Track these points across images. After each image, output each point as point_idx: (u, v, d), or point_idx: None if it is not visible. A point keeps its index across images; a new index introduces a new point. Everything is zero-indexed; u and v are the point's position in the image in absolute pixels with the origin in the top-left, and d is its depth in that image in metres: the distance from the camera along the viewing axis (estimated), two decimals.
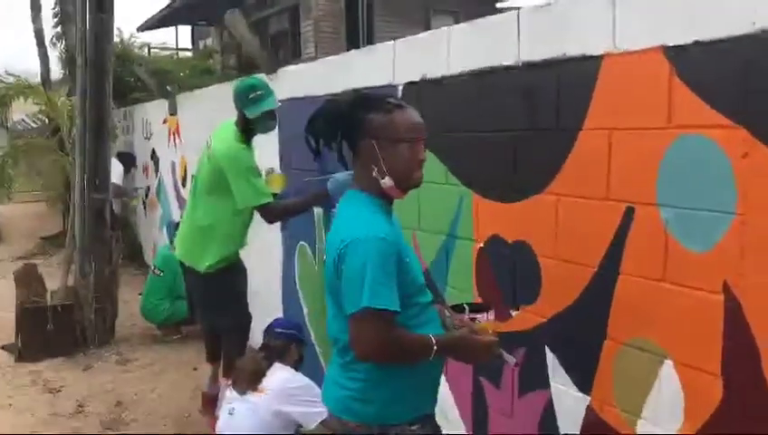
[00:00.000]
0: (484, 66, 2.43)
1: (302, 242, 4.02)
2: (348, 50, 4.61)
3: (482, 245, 2.51)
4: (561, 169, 2.13)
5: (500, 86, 2.37)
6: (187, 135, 6.44)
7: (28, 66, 8.55)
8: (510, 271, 2.38)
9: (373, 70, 3.13)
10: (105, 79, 4.67)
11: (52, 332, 4.57)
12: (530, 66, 2.24)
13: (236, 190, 3.24)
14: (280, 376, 2.84)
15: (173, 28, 22.92)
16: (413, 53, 2.86)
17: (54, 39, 9.26)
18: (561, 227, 2.15)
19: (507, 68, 2.33)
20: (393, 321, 1.61)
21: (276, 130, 4.13)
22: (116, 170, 7.75)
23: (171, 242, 5.48)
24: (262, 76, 3.42)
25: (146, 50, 17.04)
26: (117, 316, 5.12)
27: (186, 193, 6.54)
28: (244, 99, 3.29)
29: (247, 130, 3.38)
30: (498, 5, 12.98)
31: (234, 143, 3.31)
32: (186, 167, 6.49)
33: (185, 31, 24.45)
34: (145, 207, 8.38)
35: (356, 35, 15.01)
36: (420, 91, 2.79)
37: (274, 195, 3.38)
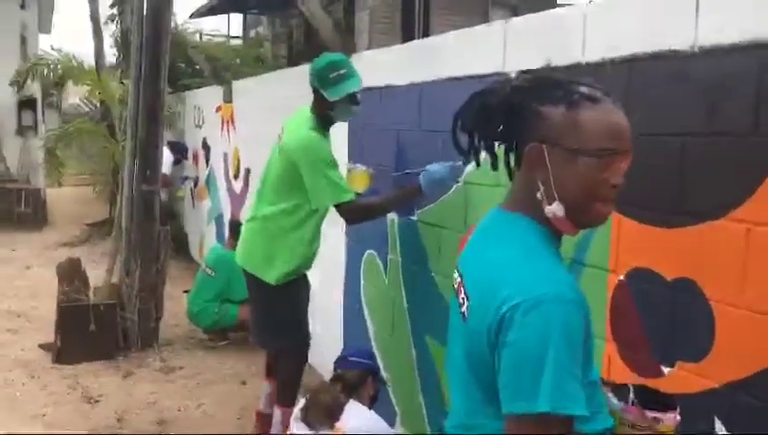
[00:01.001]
0: (641, 51, 1.91)
1: (369, 251, 3.56)
2: (404, 42, 4.16)
3: (622, 277, 1.99)
4: (757, 189, 1.60)
5: (666, 75, 1.85)
6: (243, 125, 6.04)
7: (84, 49, 8.27)
8: (665, 315, 1.85)
9: (475, 55, 2.63)
10: (161, 60, 4.27)
11: (94, 333, 4.21)
12: (713, 51, 1.71)
13: (311, 186, 2.80)
14: (357, 418, 2.39)
15: (225, 16, 22.86)
16: (532, 35, 2.34)
17: (108, 20, 8.99)
18: (751, 266, 1.62)
19: (677, 53, 1.80)
20: (572, 428, 1.07)
21: (347, 123, 3.70)
22: (166, 160, 7.43)
23: (222, 239, 5.09)
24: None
25: (198, 36, 16.89)
26: (161, 318, 4.73)
27: (238, 186, 6.15)
28: (323, 78, 2.83)
29: (325, 116, 2.93)
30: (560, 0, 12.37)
31: (308, 132, 2.86)
32: (239, 158, 6.09)
33: (236, 19, 24.40)
34: (193, 198, 8.05)
35: (411, 28, 14.43)
36: None
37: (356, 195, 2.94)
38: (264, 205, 3.00)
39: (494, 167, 1.33)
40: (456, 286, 1.30)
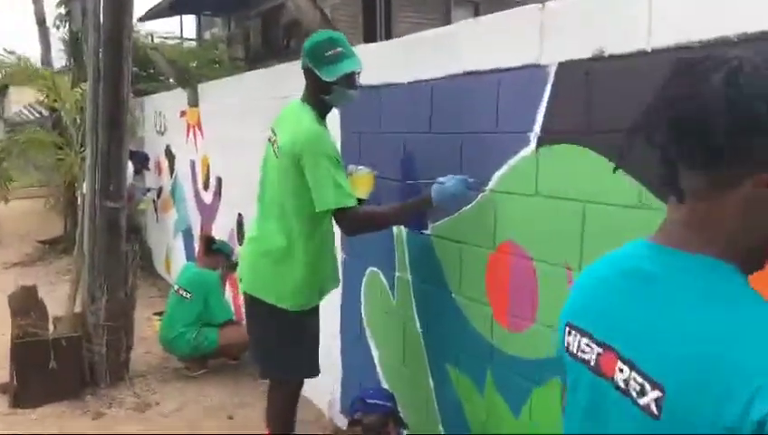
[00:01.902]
0: (724, 34, 1.59)
1: (372, 268, 3.19)
2: (366, 42, 3.79)
3: None
4: None
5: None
6: (211, 130, 5.59)
7: (26, 52, 7.65)
8: None
9: (501, 46, 2.29)
10: (123, 60, 3.82)
11: (56, 371, 3.73)
12: None
13: (315, 184, 2.43)
14: None
15: (177, 18, 22.13)
16: (577, 18, 2.01)
17: (57, 21, 8.37)
18: None
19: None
20: None
21: (338, 122, 3.32)
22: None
23: (192, 253, 4.66)
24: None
25: (150, 39, 16.23)
26: (132, 347, 4.27)
27: (208, 196, 5.70)
28: (319, 56, 2.47)
29: (320, 102, 2.56)
30: None
31: (311, 124, 2.50)
32: (208, 166, 5.65)
33: (190, 21, 23.67)
34: (156, 211, 7.54)
35: (373, 27, 14.13)
36: (594, 73, 1.94)
37: (359, 201, 2.57)
38: (269, 220, 2.61)
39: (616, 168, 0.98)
40: (591, 361, 0.92)
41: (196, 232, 6.00)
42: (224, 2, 20.17)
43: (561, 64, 2.06)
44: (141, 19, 18.37)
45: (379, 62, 2.97)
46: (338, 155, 2.49)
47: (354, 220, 2.49)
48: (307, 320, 2.65)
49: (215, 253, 4.57)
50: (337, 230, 2.68)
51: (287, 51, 13.12)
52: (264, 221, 2.62)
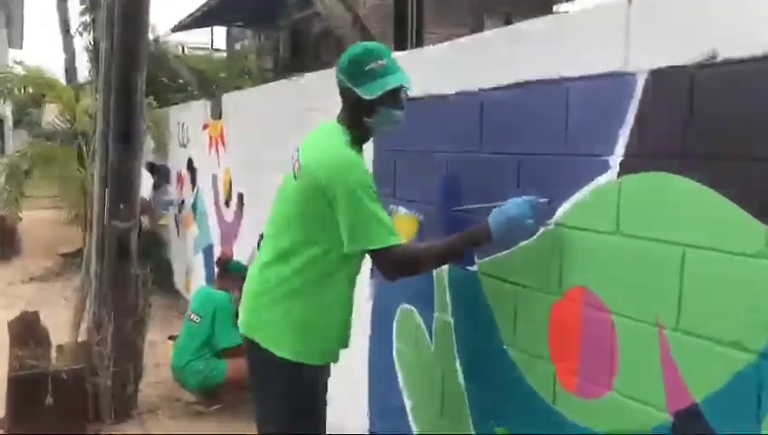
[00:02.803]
0: None
1: (405, 305, 2.78)
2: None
3: None
4: None
5: None
6: (234, 144, 5.26)
7: (50, 62, 7.44)
8: None
9: (570, 48, 1.89)
10: (136, 70, 3.49)
11: (53, 407, 3.38)
12: None
13: (347, 220, 2.02)
14: None
15: (208, 30, 22.12)
16: (678, 13, 1.60)
17: (80, 29, 8.16)
18: None
19: None
20: None
21: (370, 142, 2.93)
22: (145, 183, 6.64)
23: (212, 272, 4.31)
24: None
25: (180, 49, 16.14)
26: (141, 379, 3.91)
27: (229, 214, 5.36)
28: (358, 72, 2.07)
29: (359, 126, 2.16)
30: (555, 8, 11.84)
31: (343, 148, 2.10)
32: (230, 182, 5.31)
33: (220, 32, 23.69)
34: (177, 225, 7.24)
35: (404, 38, 13.83)
36: (701, 82, 1.53)
37: None
38: (277, 253, 2.22)
39: None
40: None
41: (217, 250, 5.67)
42: (254, 13, 20.12)
43: (654, 72, 1.64)
44: (173, 30, 18.38)
45: (419, 71, 2.58)
46: (374, 186, 2.08)
47: (399, 262, 2.04)
48: (312, 375, 2.23)
49: (230, 274, 4.22)
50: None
51: (317, 62, 12.87)
52: (273, 254, 2.22)
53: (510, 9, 13.41)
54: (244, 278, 4.16)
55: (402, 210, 2.51)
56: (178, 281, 7.26)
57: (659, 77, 1.63)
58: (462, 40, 2.39)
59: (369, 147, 2.91)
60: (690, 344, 1.56)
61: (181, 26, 21.15)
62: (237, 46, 23.59)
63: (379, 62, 2.05)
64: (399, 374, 2.85)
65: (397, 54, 2.83)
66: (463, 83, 2.35)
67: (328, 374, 2.31)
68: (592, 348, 1.83)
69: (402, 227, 2.34)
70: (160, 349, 5.15)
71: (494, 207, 2.00)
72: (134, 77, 3.51)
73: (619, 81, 1.73)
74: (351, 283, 2.25)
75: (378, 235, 1.99)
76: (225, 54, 20.06)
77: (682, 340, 1.57)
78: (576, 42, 1.87)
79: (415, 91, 2.57)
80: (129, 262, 3.64)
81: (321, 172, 2.05)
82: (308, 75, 3.78)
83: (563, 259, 1.93)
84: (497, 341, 2.21)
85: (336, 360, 2.32)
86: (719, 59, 1.48)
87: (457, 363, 2.42)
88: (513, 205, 1.96)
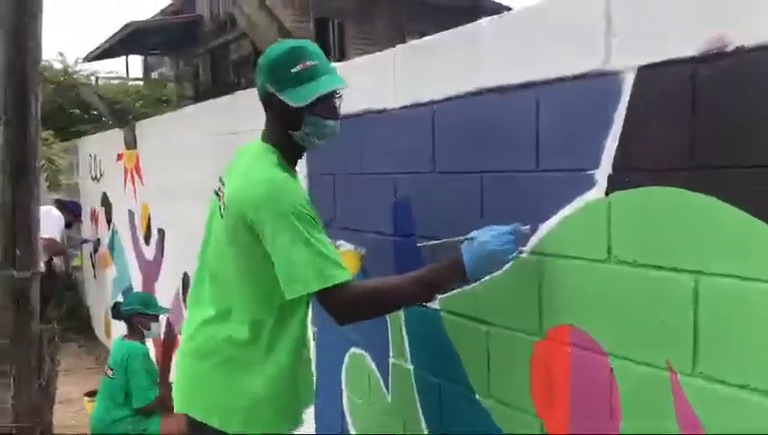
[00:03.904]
0: None
1: (355, 349, 2.45)
2: None
3: None
4: None
5: None
6: (152, 175, 4.81)
7: None
8: None
9: (539, 47, 1.62)
10: (30, 98, 3.04)
11: None
12: None
13: (281, 259, 1.64)
14: None
15: (123, 58, 21.30)
16: (661, 3, 1.35)
17: None
18: None
19: None
20: None
21: (303, 159, 2.60)
22: (55, 223, 6.06)
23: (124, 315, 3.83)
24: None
25: (93, 79, 15.38)
26: None
27: (149, 251, 4.89)
28: (282, 75, 1.71)
29: (288, 141, 1.80)
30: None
31: (269, 171, 1.73)
32: (149, 217, 4.85)
33: (135, 61, 22.89)
34: (94, 266, 6.65)
35: (326, 54, 13.58)
36: (705, 78, 1.28)
37: None
38: (208, 309, 1.83)
39: None
40: None
41: (139, 290, 5.17)
42: (171, 41, 19.54)
43: (644, 69, 1.39)
44: (85, 59, 17.55)
45: (358, 83, 2.28)
46: (312, 211, 1.71)
47: (352, 302, 1.66)
48: None
49: (126, 318, 3.76)
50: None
51: (239, 87, 12.43)
52: (205, 308, 1.84)
53: (427, 27, 13.41)
54: (143, 314, 3.71)
55: (341, 244, 2.18)
56: (97, 327, 6.66)
57: (651, 75, 1.38)
58: (408, 45, 2.10)
59: (301, 169, 2.58)
60: (713, 393, 1.29)
61: (94, 55, 20.28)
62: (154, 75, 22.83)
63: (308, 62, 1.70)
64: (352, 429, 2.50)
65: (339, 66, 2.53)
66: (410, 95, 2.06)
67: None
68: (586, 398, 1.54)
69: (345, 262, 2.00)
70: (77, 407, 4.63)
71: (468, 239, 1.68)
72: (28, 107, 3.05)
73: (600, 82, 1.47)
74: (304, 334, 1.90)
75: (323, 270, 1.62)
76: (141, 83, 19.32)
77: (702, 388, 1.31)
78: (546, 38, 1.60)
79: (354, 106, 2.27)
80: (29, 317, 3.14)
81: (246, 205, 1.67)
82: (227, 97, 3.42)
83: (543, 293, 1.64)
84: (467, 391, 1.90)
85: (300, 423, 1.95)
86: (729, 49, 1.24)
87: (421, 418, 2.10)
88: (493, 237, 1.62)
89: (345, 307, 1.68)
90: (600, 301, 1.50)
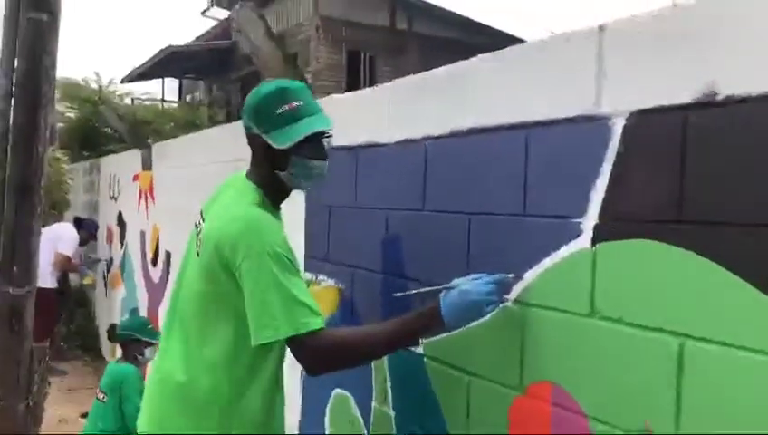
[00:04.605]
0: None
1: (339, 390, 2.36)
2: None
3: None
4: None
5: None
6: (163, 197, 4.81)
7: None
8: None
9: (531, 87, 1.55)
10: (40, 109, 3.04)
11: None
12: None
13: (252, 302, 1.57)
14: None
15: (160, 81, 21.78)
16: (664, 42, 1.27)
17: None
18: None
19: None
20: None
21: (302, 197, 2.55)
22: (71, 239, 6.11)
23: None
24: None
25: (129, 100, 15.71)
26: None
27: (156, 273, 4.87)
28: (266, 114, 1.66)
29: (272, 182, 1.75)
30: None
31: (247, 208, 1.67)
32: (158, 240, 4.84)
33: (173, 84, 23.35)
34: (106, 284, 6.66)
35: (357, 87, 13.72)
36: (696, 126, 1.20)
37: None
38: (179, 347, 1.76)
39: None
40: None
41: (144, 313, 5.14)
42: (206, 66, 19.92)
43: (634, 114, 1.31)
44: (122, 81, 17.96)
45: (356, 117, 2.23)
46: (290, 254, 1.64)
47: (322, 352, 1.58)
48: None
49: (122, 342, 3.72)
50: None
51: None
52: (176, 348, 1.77)
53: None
54: (137, 340, 3.66)
55: (322, 279, 2.12)
56: (104, 346, 6.64)
57: (641, 120, 1.30)
58: (405, 79, 2.05)
59: (300, 200, 2.53)
60: None
61: (131, 77, 20.74)
62: (188, 98, 23.25)
63: (294, 103, 1.64)
64: None
65: (334, 98, 2.49)
66: (406, 130, 2.00)
67: None
68: None
69: (320, 300, 1.93)
70: (72, 429, 4.57)
71: (449, 288, 1.61)
72: (37, 122, 3.05)
73: (590, 125, 1.40)
74: (279, 379, 1.82)
75: (294, 317, 1.54)
76: (175, 105, 19.68)
77: None
78: (537, 78, 1.54)
79: (351, 139, 2.23)
80: (21, 334, 3.10)
81: (222, 243, 1.61)
82: (235, 123, 3.40)
83: (526, 346, 1.55)
84: None
85: None
86: (719, 97, 1.16)
87: None
88: (474, 286, 1.54)
89: (316, 357, 1.59)
90: (581, 358, 1.40)
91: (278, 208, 1.81)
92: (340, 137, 2.12)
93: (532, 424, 1.51)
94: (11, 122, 3.10)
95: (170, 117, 14.66)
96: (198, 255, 1.71)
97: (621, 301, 1.32)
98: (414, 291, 1.72)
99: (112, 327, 3.91)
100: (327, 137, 1.74)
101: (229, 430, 1.70)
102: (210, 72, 20.35)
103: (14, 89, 3.10)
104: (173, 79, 22.87)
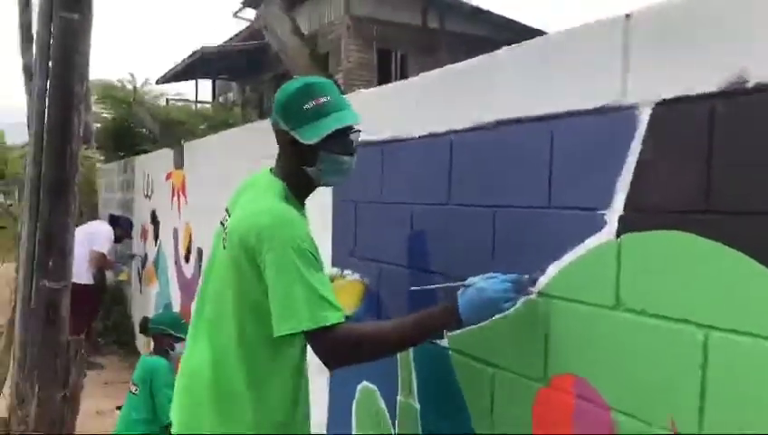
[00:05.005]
0: None
1: (366, 383, 2.37)
2: None
3: None
4: None
5: None
6: (196, 195, 4.88)
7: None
8: None
9: (555, 79, 1.54)
10: (72, 110, 3.13)
11: None
12: None
13: (276, 294, 1.59)
14: None
15: (194, 82, 22.08)
16: (692, 29, 1.25)
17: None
18: None
19: None
20: None
21: (329, 193, 2.57)
22: (105, 237, 6.24)
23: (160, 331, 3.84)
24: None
25: (163, 101, 15.96)
26: None
27: (188, 270, 4.95)
28: (295, 111, 1.68)
29: (299, 178, 1.77)
30: None
31: (273, 203, 1.69)
32: (191, 236, 4.91)
33: (206, 85, 23.66)
34: (141, 281, 6.79)
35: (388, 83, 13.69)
36: (725, 115, 1.18)
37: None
38: (207, 338, 1.79)
39: None
40: None
41: (177, 308, 5.23)
42: (238, 67, 20.14)
43: (661, 104, 1.30)
44: (158, 82, 18.27)
45: (382, 112, 2.24)
46: (314, 249, 1.66)
47: (339, 346, 1.59)
48: None
49: (154, 335, 3.78)
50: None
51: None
52: (205, 339, 1.79)
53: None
54: (171, 335, 3.72)
55: (347, 274, 2.13)
56: (139, 341, 6.76)
57: (668, 110, 1.28)
58: (430, 74, 2.05)
59: (327, 196, 2.55)
60: None
61: (166, 78, 21.08)
62: (221, 99, 23.54)
63: (321, 99, 1.66)
64: None
65: (361, 93, 2.51)
66: (431, 124, 2.01)
67: None
68: None
69: (345, 292, 1.94)
70: (108, 421, 4.66)
71: (466, 285, 1.61)
72: (71, 119, 3.14)
73: (615, 116, 1.38)
74: (300, 373, 1.84)
75: (315, 311, 1.55)
76: (209, 106, 19.93)
77: None
78: (563, 69, 1.52)
79: (377, 134, 2.24)
80: (59, 327, 3.20)
81: (248, 235, 1.62)
82: (266, 121, 3.44)
83: (550, 338, 1.54)
84: (470, 433, 1.79)
85: None
86: (749, 84, 1.13)
87: None
88: (492, 286, 1.55)
89: (331, 351, 1.61)
90: (605, 351, 1.39)
91: (303, 205, 1.83)
92: (367, 132, 2.13)
93: (556, 416, 1.51)
94: (45, 122, 3.19)
95: (203, 117, 14.85)
96: (225, 248, 1.73)
97: (646, 293, 1.31)
98: (430, 286, 1.73)
99: (145, 320, 3.98)
100: (355, 132, 1.75)
101: (255, 421, 1.72)
102: (243, 72, 20.57)
103: (48, 89, 3.19)
104: (206, 80, 23.19)
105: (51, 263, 3.11)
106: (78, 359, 3.32)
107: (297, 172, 1.75)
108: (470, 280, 1.59)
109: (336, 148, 1.71)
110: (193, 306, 1.92)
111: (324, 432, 2.62)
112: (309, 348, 1.83)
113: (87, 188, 6.08)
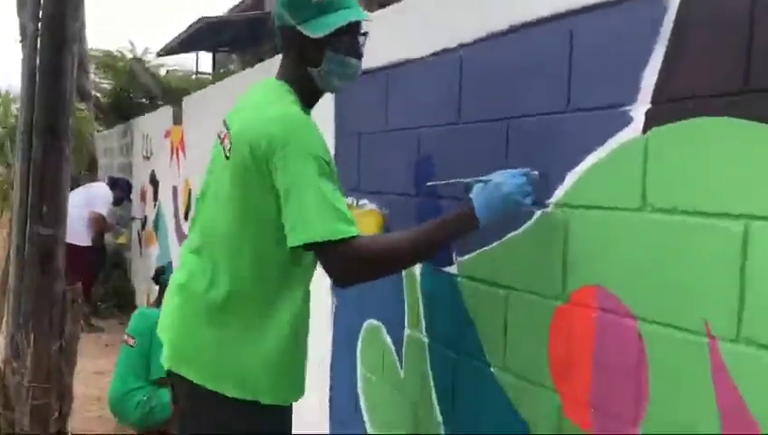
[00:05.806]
0: None
1: (371, 320, 2.28)
2: None
3: None
4: None
5: None
6: (195, 150, 4.78)
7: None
8: None
9: None
10: (65, 48, 3.01)
11: None
12: None
13: (289, 202, 1.48)
14: None
15: (194, 55, 21.83)
16: None
17: None
18: None
19: None
20: None
21: (331, 118, 2.46)
22: (103, 199, 6.15)
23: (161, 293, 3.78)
24: None
25: (164, 72, 15.75)
26: (69, 414, 3.35)
27: (187, 228, 4.85)
28: (302, 3, 1.57)
29: (305, 79, 1.65)
30: None
31: (285, 107, 1.58)
32: (190, 193, 4.82)
33: (206, 58, 23.40)
34: (141, 243, 6.71)
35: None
36: None
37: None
38: (202, 260, 1.68)
39: None
40: None
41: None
42: (239, 38, 19.86)
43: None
44: (158, 54, 18.02)
45: (387, 35, 2.12)
46: (331, 160, 1.56)
47: (354, 259, 1.47)
48: (279, 419, 1.69)
49: (162, 287, 3.71)
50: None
51: None
52: (204, 260, 1.68)
53: None
54: None
55: (365, 204, 2.03)
56: (140, 303, 6.71)
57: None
58: None
59: (329, 128, 2.44)
60: (757, 360, 1.06)
61: (166, 51, 20.82)
62: (222, 71, 23.29)
63: None
64: (364, 410, 2.32)
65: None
66: (436, 42, 1.89)
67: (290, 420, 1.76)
68: (611, 369, 1.33)
69: (363, 223, 1.83)
70: (106, 379, 4.61)
71: (481, 181, 1.52)
72: (63, 58, 3.02)
73: (642, 6, 1.27)
74: (307, 291, 1.74)
75: (328, 222, 1.45)
76: (209, 77, 19.69)
77: (745, 354, 1.08)
78: None
79: (380, 60, 2.12)
80: (53, 275, 3.10)
81: (258, 140, 1.50)
82: (268, 61, 3.32)
83: (568, 250, 1.44)
84: (482, 363, 1.70)
85: (301, 394, 1.77)
86: None
87: (432, 395, 1.91)
88: (506, 178, 1.47)
89: (344, 265, 1.49)
90: (630, 256, 1.29)
91: (308, 114, 1.71)
92: (370, 59, 2.00)
93: (577, 333, 1.41)
94: (38, 62, 3.08)
95: (202, 86, 14.68)
96: (228, 158, 1.62)
97: (676, 188, 1.20)
98: (445, 182, 1.63)
99: (162, 269, 3.89)
100: (362, 34, 1.64)
101: (261, 343, 1.62)
102: (244, 44, 20.26)
103: (40, 30, 3.07)
104: (207, 53, 22.91)
105: (44, 207, 3.01)
106: (75, 309, 3.23)
107: (303, 75, 1.64)
108: (483, 178, 1.49)
109: (342, 48, 1.60)
110: (189, 221, 1.82)
111: (329, 373, 2.54)
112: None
113: (79, 143, 5.95)
